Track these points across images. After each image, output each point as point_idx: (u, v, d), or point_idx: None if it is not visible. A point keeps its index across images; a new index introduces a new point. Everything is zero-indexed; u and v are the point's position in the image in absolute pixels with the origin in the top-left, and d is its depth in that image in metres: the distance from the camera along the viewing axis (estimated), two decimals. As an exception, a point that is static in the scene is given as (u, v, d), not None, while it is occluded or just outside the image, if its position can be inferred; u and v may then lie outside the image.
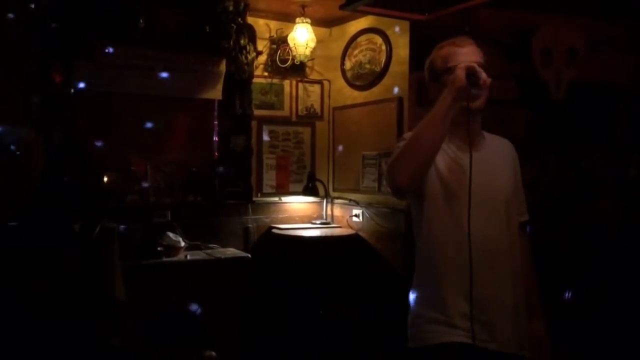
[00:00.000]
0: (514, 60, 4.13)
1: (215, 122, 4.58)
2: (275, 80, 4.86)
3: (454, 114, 1.92)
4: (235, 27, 4.44)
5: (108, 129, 4.17)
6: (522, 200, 2.23)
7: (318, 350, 4.13)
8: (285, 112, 4.94)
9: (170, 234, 4.10)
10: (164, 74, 4.25)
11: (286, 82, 4.92)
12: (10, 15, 3.72)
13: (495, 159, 2.12)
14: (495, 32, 4.03)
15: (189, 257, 4.08)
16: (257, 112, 4.71)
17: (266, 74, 4.81)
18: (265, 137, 4.84)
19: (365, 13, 4.38)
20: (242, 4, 4.47)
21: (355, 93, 4.80)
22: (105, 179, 4.09)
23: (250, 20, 4.59)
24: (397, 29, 4.43)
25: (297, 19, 4.61)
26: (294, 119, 4.99)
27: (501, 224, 2.03)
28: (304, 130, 5.03)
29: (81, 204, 3.73)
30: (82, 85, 3.94)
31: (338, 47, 4.94)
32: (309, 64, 4.92)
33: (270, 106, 4.86)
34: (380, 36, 4.52)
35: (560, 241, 3.62)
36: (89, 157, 4.01)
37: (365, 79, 4.68)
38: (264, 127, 4.83)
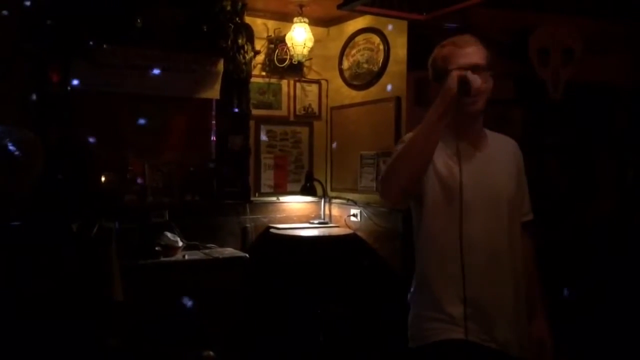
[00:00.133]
0: (512, 59, 4.14)
1: (213, 122, 4.58)
2: (273, 80, 4.86)
3: (453, 117, 1.92)
4: (233, 26, 4.44)
5: (106, 129, 4.17)
6: (526, 200, 2.20)
7: (316, 349, 4.14)
8: (283, 112, 4.94)
9: (168, 234, 4.10)
10: (162, 74, 4.25)
11: (284, 82, 4.92)
12: (8, 15, 3.72)
13: (498, 158, 2.09)
14: (493, 31, 4.02)
15: (186, 257, 4.08)
16: (255, 112, 4.71)
17: (264, 73, 4.81)
18: (263, 137, 4.84)
19: (363, 13, 4.38)
20: (240, 3, 4.46)
21: (353, 93, 4.80)
22: (103, 178, 4.09)
23: (248, 19, 4.59)
24: (390, 27, 4.44)
25: (295, 19, 4.61)
26: (291, 118, 4.98)
27: (503, 225, 2.01)
28: (302, 130, 5.03)
29: (79, 204, 3.72)
30: (79, 85, 3.94)
31: (336, 47, 4.94)
32: (307, 63, 4.92)
33: (268, 106, 4.86)
34: (378, 36, 4.52)
35: (559, 241, 3.62)
36: (87, 156, 4.01)
37: (363, 79, 4.68)
38: (262, 126, 4.83)
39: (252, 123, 4.72)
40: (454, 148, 2.02)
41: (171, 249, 4.03)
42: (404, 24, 4.24)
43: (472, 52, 2.01)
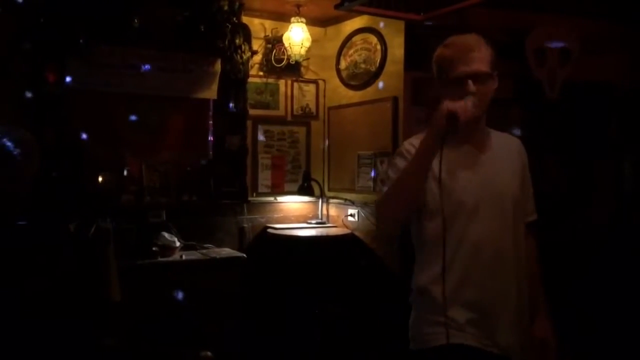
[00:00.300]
0: (509, 59, 4.15)
1: (211, 122, 4.58)
2: (271, 80, 4.86)
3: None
4: (230, 26, 4.43)
5: (103, 129, 4.17)
6: (531, 200, 2.18)
7: (314, 349, 4.14)
8: (280, 112, 4.94)
9: (166, 234, 4.09)
10: (159, 74, 4.24)
11: (281, 82, 4.92)
12: (4, 14, 3.71)
13: (502, 158, 2.06)
14: (490, 31, 4.03)
15: (184, 257, 4.08)
16: (252, 112, 4.70)
17: (261, 73, 4.81)
18: (261, 137, 4.84)
19: (360, 13, 4.38)
20: (237, 3, 4.46)
21: (351, 93, 4.80)
22: (100, 178, 4.08)
23: (245, 19, 4.58)
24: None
25: (292, 19, 4.61)
26: (289, 118, 4.98)
27: (508, 225, 1.99)
28: (299, 130, 5.03)
29: (76, 204, 3.72)
30: (76, 84, 3.93)
31: (333, 47, 4.95)
32: (304, 63, 4.92)
33: (265, 106, 4.85)
34: (376, 36, 4.53)
35: (558, 242, 3.63)
36: (84, 156, 4.00)
37: (360, 79, 4.68)
38: (259, 126, 4.83)
39: (249, 123, 4.71)
40: (457, 150, 1.99)
41: (168, 249, 4.03)
42: (401, 24, 4.24)
43: (475, 59, 1.96)
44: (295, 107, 4.99)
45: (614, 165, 4.61)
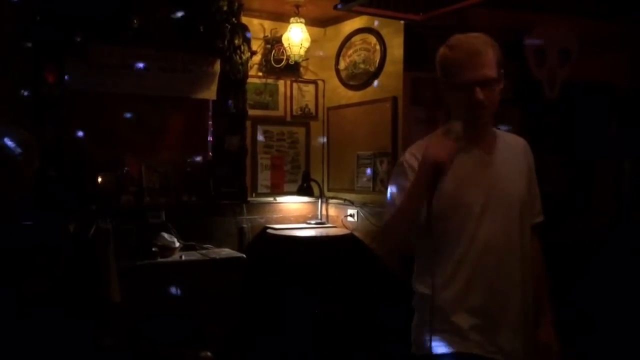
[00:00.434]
0: (509, 59, 4.15)
1: (210, 122, 4.58)
2: (270, 80, 4.86)
3: (464, 112, 1.91)
4: (229, 27, 4.43)
5: (102, 129, 4.17)
6: (537, 201, 2.13)
7: (313, 349, 4.14)
8: (279, 112, 4.94)
9: (165, 235, 4.09)
10: (158, 74, 4.24)
11: (281, 82, 4.92)
12: (3, 14, 3.71)
13: (509, 160, 2.02)
14: (489, 31, 4.03)
15: (183, 257, 4.08)
16: (251, 112, 4.70)
17: (260, 74, 4.81)
18: (260, 137, 4.84)
19: (359, 13, 4.38)
20: (236, 3, 4.46)
21: (350, 93, 4.80)
22: (100, 179, 4.07)
23: (244, 20, 4.58)
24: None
25: (292, 19, 4.61)
26: (288, 119, 4.98)
27: (514, 228, 1.95)
28: (299, 130, 5.03)
29: (76, 205, 3.72)
30: (75, 85, 3.93)
31: (332, 47, 4.94)
32: (304, 63, 4.92)
33: (264, 106, 4.85)
34: (375, 36, 4.52)
35: (558, 242, 3.63)
36: (83, 157, 4.00)
37: (359, 79, 4.68)
38: (259, 127, 4.83)
39: (248, 123, 4.71)
40: (464, 153, 1.95)
41: (168, 249, 4.02)
42: (400, 24, 4.24)
43: (482, 63, 1.89)
44: (294, 107, 4.99)
45: (614, 165, 4.61)
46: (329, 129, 5.06)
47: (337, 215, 4.93)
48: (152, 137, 4.37)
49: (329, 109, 5.06)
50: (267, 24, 4.79)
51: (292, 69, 4.86)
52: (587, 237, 4.07)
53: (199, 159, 4.53)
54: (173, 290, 3.82)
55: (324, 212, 5.00)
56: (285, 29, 4.67)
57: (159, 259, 3.95)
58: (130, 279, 3.48)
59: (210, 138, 4.57)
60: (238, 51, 4.50)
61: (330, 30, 5.02)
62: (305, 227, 4.79)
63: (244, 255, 4.27)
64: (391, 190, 2.04)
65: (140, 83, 4.18)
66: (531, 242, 2.05)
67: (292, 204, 4.98)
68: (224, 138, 4.56)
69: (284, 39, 4.65)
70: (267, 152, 4.89)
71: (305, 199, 4.95)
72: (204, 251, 4.28)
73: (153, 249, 3.95)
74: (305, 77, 5.01)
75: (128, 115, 4.25)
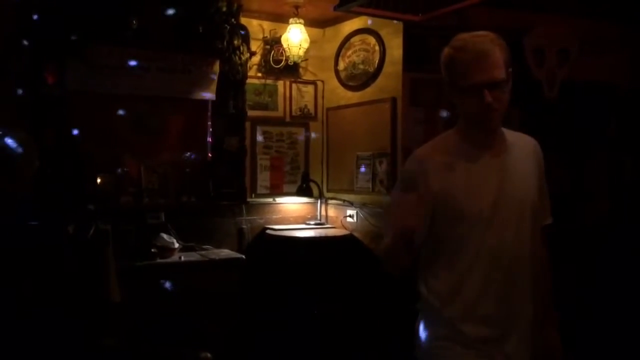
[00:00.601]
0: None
1: (209, 123, 4.57)
2: (269, 81, 4.86)
3: (472, 115, 1.86)
4: (228, 27, 4.43)
5: (101, 130, 4.16)
6: (547, 202, 2.06)
7: (313, 350, 4.13)
8: (279, 113, 4.93)
9: (164, 235, 4.09)
10: (158, 75, 4.24)
11: (280, 83, 4.92)
12: (3, 14, 3.71)
13: (519, 162, 1.94)
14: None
15: (183, 258, 4.07)
16: (250, 113, 4.70)
17: (260, 74, 4.81)
18: (259, 138, 4.84)
19: (358, 14, 4.38)
20: (236, 4, 4.46)
21: (349, 93, 4.80)
22: (99, 180, 4.07)
23: (243, 20, 4.58)
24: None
25: (291, 20, 4.61)
26: (287, 119, 4.98)
27: (525, 234, 1.89)
28: (298, 131, 5.03)
29: (75, 205, 3.71)
30: (75, 85, 3.93)
31: (332, 48, 4.95)
32: (303, 64, 4.92)
33: (264, 107, 4.85)
34: (374, 37, 4.53)
35: (557, 242, 3.63)
36: (83, 158, 3.99)
37: (358, 80, 4.68)
38: (258, 127, 4.83)
39: (248, 124, 4.71)
40: (472, 157, 1.90)
41: (167, 250, 4.02)
42: (399, 25, 4.24)
43: (491, 65, 1.80)
44: (293, 108, 4.99)
45: (613, 165, 4.62)
46: (328, 130, 5.06)
47: (336, 216, 4.92)
48: (151, 138, 4.36)
49: (328, 109, 5.06)
50: (266, 25, 4.79)
51: (291, 70, 4.86)
52: (586, 237, 4.07)
53: (198, 159, 4.52)
54: (172, 291, 3.82)
55: (323, 212, 5.00)
56: (284, 30, 4.67)
57: (158, 260, 3.94)
58: (130, 280, 3.48)
59: (209, 139, 4.57)
60: (237, 52, 4.50)
61: (329, 31, 5.02)
62: (305, 228, 4.78)
63: (244, 256, 4.27)
64: (391, 204, 1.98)
65: (139, 83, 4.18)
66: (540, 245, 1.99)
67: (291, 204, 4.98)
68: (223, 139, 4.55)
69: (283, 40, 4.65)
70: (266, 152, 4.88)
71: (305, 199, 4.95)
72: (203, 252, 4.27)
73: (152, 250, 3.95)
74: (305, 77, 5.01)
75: (127, 115, 4.25)
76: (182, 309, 3.81)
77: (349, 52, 4.78)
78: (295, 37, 4.59)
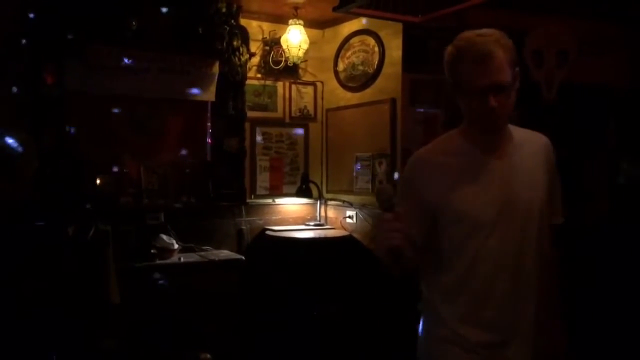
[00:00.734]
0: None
1: (209, 124, 4.57)
2: (269, 82, 4.86)
3: (476, 118, 1.81)
4: (228, 28, 4.44)
5: (101, 131, 4.17)
6: (558, 201, 1.98)
7: (312, 351, 4.13)
8: (278, 114, 4.94)
9: (164, 236, 4.09)
10: (157, 76, 4.24)
11: (279, 84, 4.92)
12: (1, 15, 3.71)
13: (527, 164, 1.86)
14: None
15: (182, 259, 4.07)
16: (250, 114, 4.70)
17: (259, 75, 4.81)
18: (259, 139, 4.84)
19: (358, 15, 4.39)
20: (235, 5, 4.46)
21: (349, 94, 4.81)
22: (98, 180, 4.07)
23: (243, 22, 4.59)
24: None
25: (290, 21, 4.62)
26: (287, 120, 4.98)
27: (530, 240, 1.82)
28: (297, 132, 5.03)
29: (74, 206, 3.71)
30: (74, 86, 3.93)
31: (331, 49, 4.95)
32: (302, 65, 4.92)
33: (263, 108, 4.85)
34: (373, 38, 4.53)
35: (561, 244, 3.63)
36: (82, 158, 3.99)
37: (358, 81, 4.69)
38: (257, 128, 4.83)
39: (247, 125, 4.71)
40: (475, 162, 1.84)
41: (167, 251, 4.02)
42: (398, 26, 4.24)
43: (495, 68, 1.73)
44: (293, 109, 4.99)
45: (612, 166, 4.62)
46: (328, 131, 5.06)
47: (335, 217, 4.92)
48: (150, 139, 4.36)
49: (327, 110, 5.06)
50: (266, 26, 4.80)
51: (290, 71, 4.86)
52: (584, 238, 4.07)
53: (197, 160, 4.53)
54: (172, 292, 3.81)
55: (322, 213, 5.00)
56: (283, 31, 4.67)
57: (158, 261, 3.94)
58: (129, 281, 3.48)
59: (209, 140, 4.57)
60: (237, 53, 4.50)
61: (328, 32, 5.02)
62: (304, 229, 4.78)
63: (243, 257, 4.27)
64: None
65: (138, 84, 4.18)
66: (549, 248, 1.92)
67: (290, 205, 4.98)
68: (222, 139, 4.56)
69: (282, 41, 4.66)
70: (265, 153, 4.89)
71: (304, 200, 4.95)
72: (202, 253, 4.27)
73: (152, 251, 3.95)
74: (304, 78, 5.02)
75: (127, 116, 4.26)
76: (182, 310, 3.81)
77: (349, 53, 4.79)
78: (295, 38, 4.59)
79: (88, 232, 3.00)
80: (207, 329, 3.82)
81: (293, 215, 4.98)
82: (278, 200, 4.93)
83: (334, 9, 3.92)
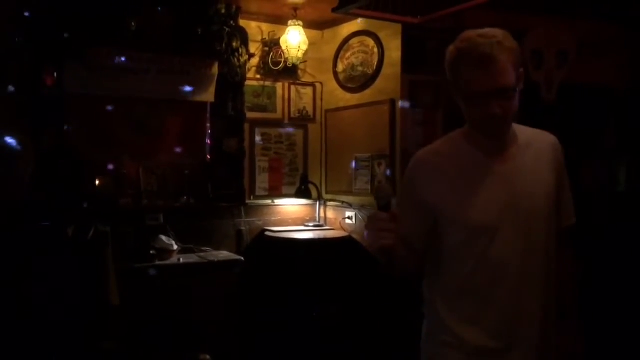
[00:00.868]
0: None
1: (208, 125, 4.57)
2: (268, 83, 4.86)
3: (478, 123, 1.76)
4: (227, 29, 4.44)
5: (100, 132, 4.16)
6: (568, 202, 1.92)
7: (312, 351, 4.13)
8: (277, 115, 4.94)
9: (163, 237, 4.09)
10: (157, 77, 4.24)
11: (279, 85, 4.92)
12: (0, 17, 3.71)
13: (531, 165, 1.81)
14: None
15: (181, 260, 4.07)
16: (249, 115, 4.70)
17: (259, 76, 4.81)
18: (258, 140, 4.84)
19: (357, 16, 4.39)
20: (234, 6, 4.47)
21: (348, 95, 4.81)
22: (98, 182, 4.07)
23: (242, 23, 4.59)
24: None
25: (290, 22, 4.62)
26: (286, 121, 4.98)
27: (536, 245, 1.77)
28: (297, 133, 5.03)
29: (74, 207, 3.71)
30: (73, 87, 3.93)
31: (330, 50, 4.95)
32: (302, 66, 4.92)
33: (262, 109, 4.85)
34: (373, 39, 4.53)
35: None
36: (81, 160, 3.99)
37: (357, 82, 4.69)
38: (257, 129, 4.83)
39: (246, 126, 4.71)
40: (477, 165, 1.80)
41: (166, 252, 4.02)
42: (398, 27, 4.24)
43: (497, 71, 1.67)
44: (292, 110, 4.99)
45: (611, 167, 4.62)
46: (327, 132, 5.06)
47: (335, 218, 4.92)
48: (150, 140, 4.36)
49: (327, 111, 5.06)
50: (265, 27, 4.80)
51: (290, 72, 4.86)
52: (584, 239, 4.07)
53: (197, 161, 4.52)
54: (171, 292, 3.81)
55: (322, 214, 5.00)
56: (283, 32, 4.67)
57: (157, 262, 3.94)
58: (129, 282, 3.48)
59: (208, 140, 4.57)
60: (236, 54, 4.50)
61: (328, 33, 5.02)
62: (303, 230, 4.78)
63: (242, 258, 4.28)
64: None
65: (138, 85, 4.18)
66: (560, 249, 1.86)
67: (290, 206, 4.98)
68: (222, 140, 4.56)
69: (281, 42, 4.66)
70: (265, 154, 4.89)
71: (303, 201, 4.94)
72: (202, 254, 4.27)
73: (151, 252, 3.94)
74: (303, 79, 5.02)
75: (126, 117, 4.25)
76: (181, 311, 3.81)
77: (348, 54, 4.79)
78: (294, 39, 4.59)
79: (87, 233, 3.00)
80: (206, 329, 3.82)
81: (292, 216, 4.98)
82: (277, 201, 4.93)
83: (334, 10, 3.92)
